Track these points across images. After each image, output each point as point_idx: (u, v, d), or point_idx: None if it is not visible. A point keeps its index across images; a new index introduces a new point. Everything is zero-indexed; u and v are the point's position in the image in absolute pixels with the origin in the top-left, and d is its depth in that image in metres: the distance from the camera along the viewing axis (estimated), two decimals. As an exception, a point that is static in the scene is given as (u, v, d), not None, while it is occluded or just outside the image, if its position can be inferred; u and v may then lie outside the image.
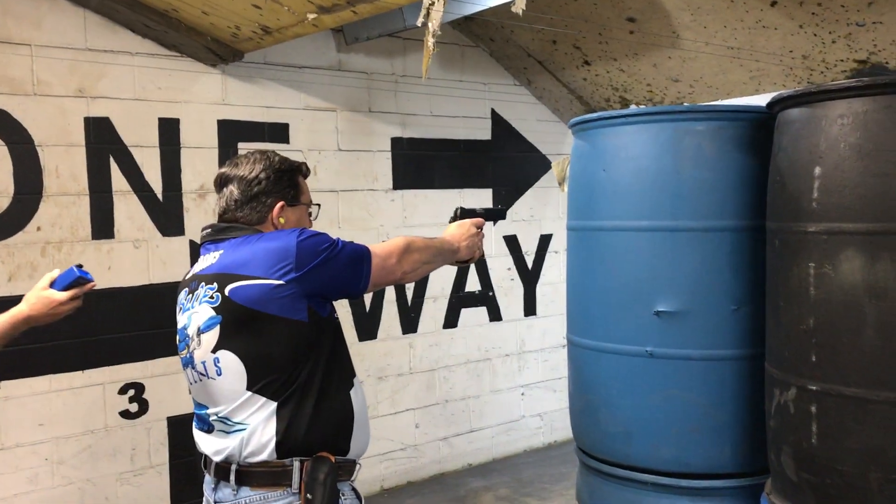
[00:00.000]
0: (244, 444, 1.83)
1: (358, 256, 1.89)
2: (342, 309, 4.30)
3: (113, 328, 3.59)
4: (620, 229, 2.38)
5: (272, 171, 1.97)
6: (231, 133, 3.88)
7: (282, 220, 1.96)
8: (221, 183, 2.00)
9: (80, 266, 1.99)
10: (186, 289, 1.98)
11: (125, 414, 3.63)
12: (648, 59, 4.31)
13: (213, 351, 1.84)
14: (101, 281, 3.51)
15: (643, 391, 2.07)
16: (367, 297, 4.40)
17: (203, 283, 1.90)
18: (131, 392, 3.64)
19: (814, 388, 2.08)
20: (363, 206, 4.36)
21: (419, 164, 4.56)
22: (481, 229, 2.32)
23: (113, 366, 3.60)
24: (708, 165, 2.28)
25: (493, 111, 4.88)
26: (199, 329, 1.87)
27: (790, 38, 3.73)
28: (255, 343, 1.80)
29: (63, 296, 1.96)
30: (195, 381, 1.92)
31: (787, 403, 2.12)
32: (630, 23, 4.04)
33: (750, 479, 2.54)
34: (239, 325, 1.81)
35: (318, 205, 2.12)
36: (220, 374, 1.84)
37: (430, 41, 2.48)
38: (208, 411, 1.91)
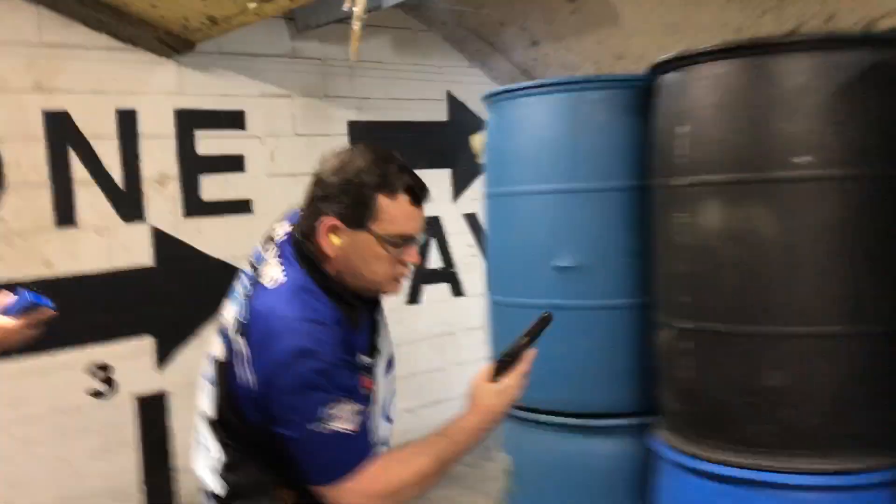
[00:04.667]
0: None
1: (313, 464, 1.51)
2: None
3: (80, 312, 3.74)
4: (525, 193, 2.57)
5: (340, 178, 1.58)
6: (188, 122, 4.02)
7: (335, 242, 1.59)
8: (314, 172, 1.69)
9: (34, 290, 1.78)
10: (246, 273, 1.73)
11: (95, 394, 3.79)
12: (593, 38, 4.45)
13: (211, 361, 1.69)
14: (67, 268, 3.66)
15: (548, 340, 2.26)
16: (330, 277, 4.54)
17: (246, 292, 1.66)
18: (100, 373, 3.80)
19: (689, 326, 2.30)
20: (322, 189, 4.51)
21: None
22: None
23: (81, 348, 3.75)
24: (601, 131, 2.46)
25: (448, 93, 5.03)
26: (211, 355, 1.69)
27: (723, 13, 3.88)
28: (226, 407, 1.62)
29: (13, 324, 1.74)
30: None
31: (669, 343, 2.33)
32: (570, 3, 4.18)
33: (642, 419, 2.74)
34: (223, 384, 1.64)
35: (412, 238, 1.63)
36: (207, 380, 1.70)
37: (357, 25, 2.62)
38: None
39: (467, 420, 1.62)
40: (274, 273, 1.61)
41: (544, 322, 1.71)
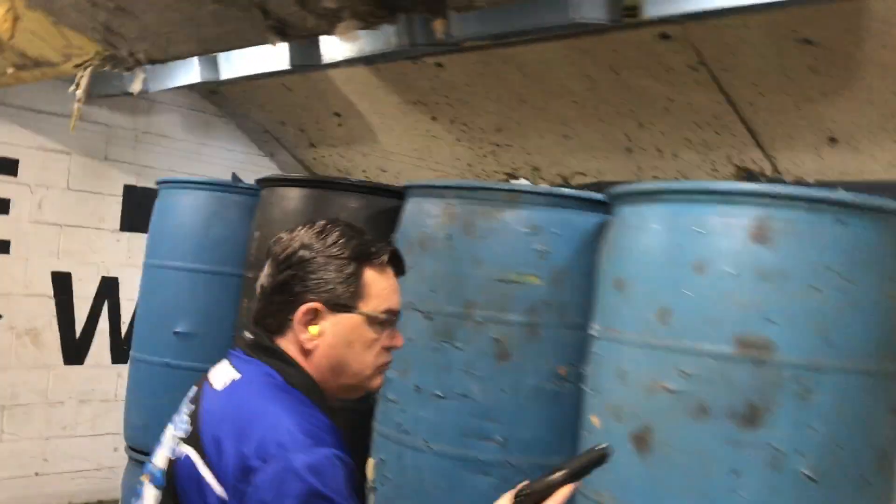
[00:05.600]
0: None
1: None
2: (50, 334, 4.71)
3: None
4: (163, 267, 3.05)
5: (320, 250, 1.34)
6: (-42, 161, 4.30)
7: (312, 332, 1.33)
8: (266, 253, 1.43)
9: None
10: (191, 392, 1.44)
11: None
12: (359, 149, 5.05)
13: None
14: None
15: (160, 393, 2.68)
16: (80, 322, 4.80)
17: (188, 411, 1.38)
18: None
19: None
20: (86, 243, 4.82)
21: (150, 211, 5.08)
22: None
23: None
24: (227, 226, 2.98)
25: (234, 175, 5.49)
26: (152, 475, 1.39)
27: (455, 148, 4.56)
28: None
29: None
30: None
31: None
32: (337, 117, 4.78)
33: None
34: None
35: (397, 314, 1.40)
36: None
37: (76, 106, 3.05)
38: None
39: None
40: (224, 374, 1.35)
41: (597, 459, 1.36)
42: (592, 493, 1.62)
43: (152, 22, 2.21)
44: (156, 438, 1.43)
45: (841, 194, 1.48)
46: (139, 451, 3.10)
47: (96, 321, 4.88)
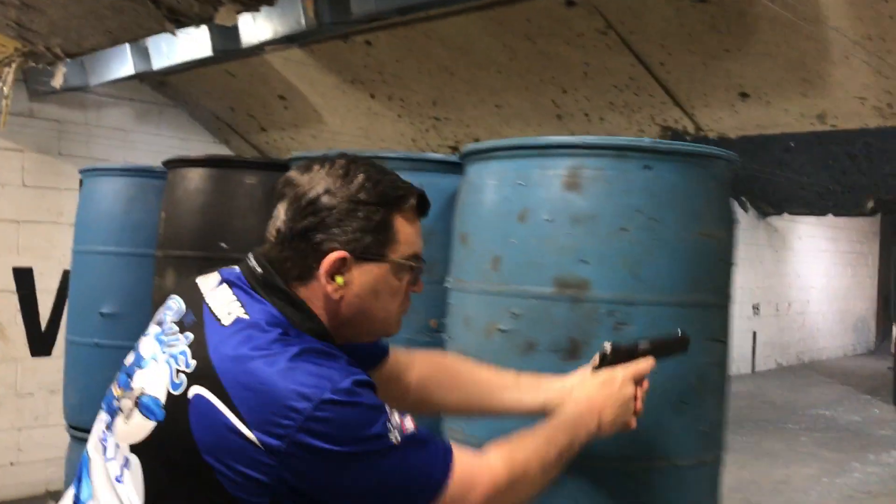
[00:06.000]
0: None
1: (413, 484, 1.16)
2: (15, 328, 4.83)
3: None
4: (88, 252, 3.19)
5: (346, 196, 1.24)
6: None
7: (339, 282, 1.25)
8: (277, 194, 1.30)
9: None
10: (178, 310, 1.32)
11: None
12: (307, 131, 5.15)
13: (131, 449, 1.22)
14: None
15: (93, 372, 2.82)
16: (44, 315, 4.92)
17: (187, 341, 1.24)
18: None
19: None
20: (46, 238, 4.93)
21: (108, 204, 5.19)
22: (643, 381, 1.44)
23: None
24: (144, 209, 3.09)
25: (190, 163, 5.59)
26: (138, 396, 1.24)
27: (397, 124, 4.66)
28: (171, 497, 1.19)
29: None
30: (98, 440, 1.31)
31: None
32: (282, 100, 4.87)
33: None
34: (170, 461, 1.19)
35: (423, 263, 1.34)
36: (119, 481, 1.22)
37: (3, 102, 3.15)
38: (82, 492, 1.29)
39: (565, 412, 1.37)
40: (228, 305, 1.24)
41: (679, 344, 1.44)
42: (447, 429, 1.75)
43: (58, 17, 2.30)
44: (92, 416, 1.34)
45: (644, 141, 1.60)
46: (79, 430, 3.23)
47: (61, 313, 4.99)
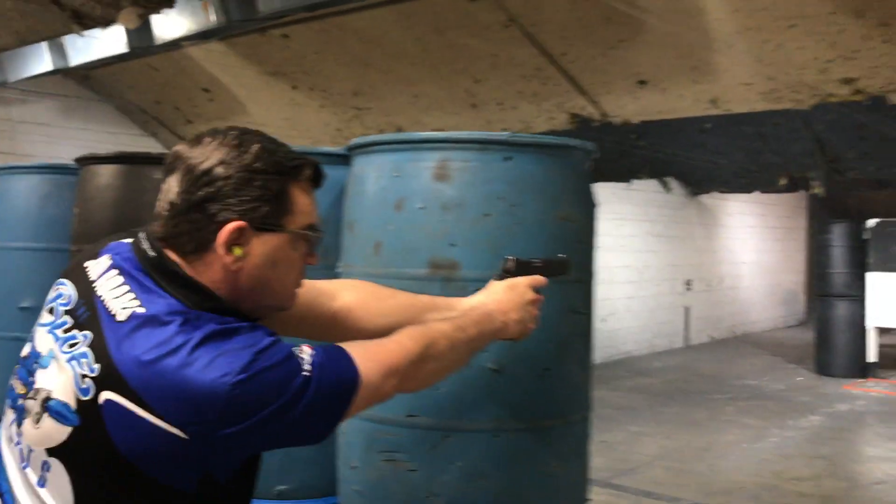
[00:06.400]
0: None
1: (337, 391, 1.22)
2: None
3: None
4: (5, 248, 3.28)
5: (242, 166, 1.21)
6: None
7: (237, 253, 1.22)
8: (168, 167, 1.26)
9: None
10: (69, 298, 1.29)
11: None
12: (233, 122, 5.20)
13: (49, 453, 1.20)
14: None
15: (13, 366, 2.90)
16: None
17: (87, 342, 1.20)
18: None
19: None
20: (-28, 234, 4.93)
21: (35, 200, 5.20)
22: (539, 293, 1.56)
23: None
24: (58, 205, 3.17)
25: (118, 157, 5.61)
26: (45, 400, 1.21)
27: (321, 115, 4.77)
28: (102, 495, 1.18)
29: None
30: (9, 440, 1.28)
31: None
32: (206, 92, 4.94)
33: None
34: (94, 462, 1.18)
35: (321, 233, 1.33)
36: (41, 486, 1.20)
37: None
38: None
39: (475, 307, 1.49)
40: (123, 299, 1.21)
41: (562, 266, 1.63)
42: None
43: (-33, 19, 2.37)
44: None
45: (503, 135, 1.76)
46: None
47: None
